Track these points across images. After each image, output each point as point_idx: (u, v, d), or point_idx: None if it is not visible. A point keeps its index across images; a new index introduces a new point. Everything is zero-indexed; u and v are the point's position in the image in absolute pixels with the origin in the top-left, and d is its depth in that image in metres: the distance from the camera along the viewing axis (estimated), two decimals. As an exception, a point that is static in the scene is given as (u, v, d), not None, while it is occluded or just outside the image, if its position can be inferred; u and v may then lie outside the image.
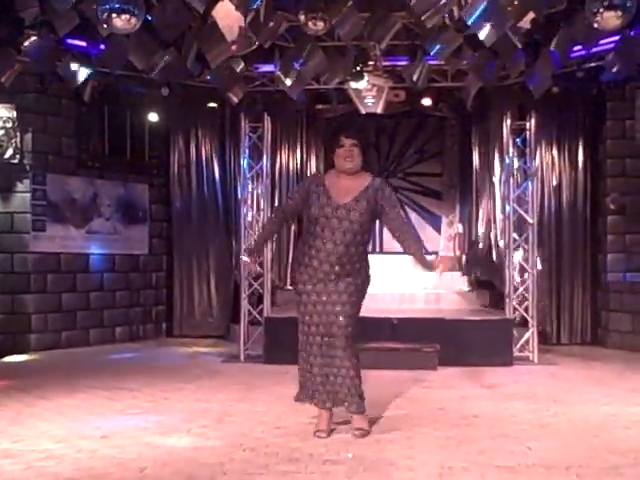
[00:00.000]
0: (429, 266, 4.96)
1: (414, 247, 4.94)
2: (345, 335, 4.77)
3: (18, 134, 8.91)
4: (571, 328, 9.81)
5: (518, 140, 8.65)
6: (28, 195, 9.07)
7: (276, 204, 9.50)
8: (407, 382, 6.56)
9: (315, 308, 4.80)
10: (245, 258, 4.89)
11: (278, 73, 7.70)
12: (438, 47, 6.82)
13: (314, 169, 11.09)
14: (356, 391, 4.84)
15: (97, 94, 8.78)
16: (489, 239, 9.99)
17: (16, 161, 8.96)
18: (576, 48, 7.28)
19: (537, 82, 7.61)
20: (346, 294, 4.77)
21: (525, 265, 8.59)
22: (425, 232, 10.73)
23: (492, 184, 9.89)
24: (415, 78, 7.67)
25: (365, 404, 4.90)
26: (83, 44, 7.85)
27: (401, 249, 4.99)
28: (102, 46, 7.68)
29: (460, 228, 10.87)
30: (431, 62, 7.82)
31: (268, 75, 8.51)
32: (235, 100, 8.12)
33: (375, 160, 10.57)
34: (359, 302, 4.89)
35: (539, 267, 8.93)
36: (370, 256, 4.99)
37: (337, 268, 4.73)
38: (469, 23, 6.03)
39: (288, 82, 7.53)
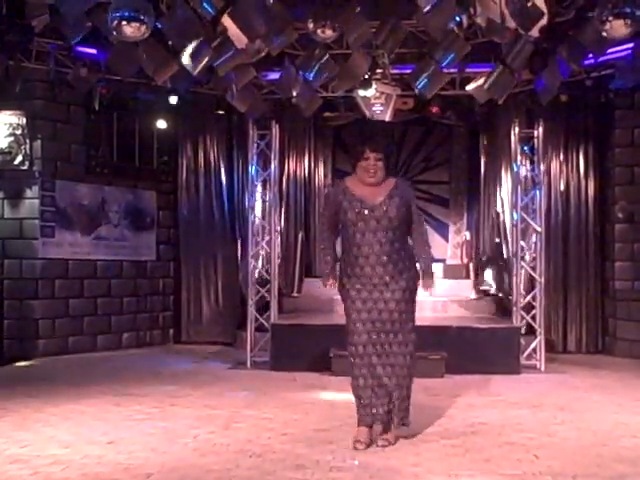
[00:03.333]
0: (424, 285, 4.93)
1: (421, 262, 4.91)
2: (410, 341, 4.75)
3: (27, 141, 8.96)
4: (580, 336, 9.78)
5: (526, 148, 8.64)
6: (37, 201, 9.10)
7: (285, 217, 9.47)
8: (414, 390, 6.49)
9: (361, 316, 4.70)
10: (328, 284, 4.88)
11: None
12: (448, 56, 6.83)
13: (322, 176, 11.14)
14: (408, 405, 4.83)
15: (106, 101, 8.84)
16: (496, 247, 9.99)
17: (25, 167, 9.01)
18: (584, 56, 7.29)
19: (545, 89, 7.62)
20: (402, 299, 4.71)
21: (533, 273, 8.57)
22: (433, 240, 10.58)
23: (500, 192, 9.89)
24: (421, 85, 7.70)
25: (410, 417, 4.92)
26: (93, 51, 7.91)
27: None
28: (109, 53, 7.76)
29: (468, 236, 10.86)
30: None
31: (276, 82, 8.51)
32: (243, 109, 8.11)
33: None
34: (411, 309, 4.83)
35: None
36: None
37: (390, 268, 4.68)
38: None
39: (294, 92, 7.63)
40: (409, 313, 4.79)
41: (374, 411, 4.76)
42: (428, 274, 4.93)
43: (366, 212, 4.66)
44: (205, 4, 5.73)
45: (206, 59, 6.35)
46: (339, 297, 4.97)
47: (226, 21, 5.93)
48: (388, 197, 4.70)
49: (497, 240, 10.00)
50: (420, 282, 4.89)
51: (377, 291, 4.69)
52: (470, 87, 7.72)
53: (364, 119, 9.32)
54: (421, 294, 5.00)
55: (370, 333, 4.70)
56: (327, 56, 7.35)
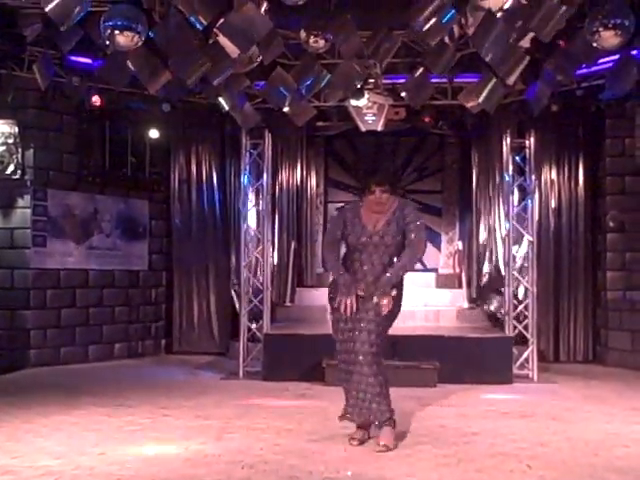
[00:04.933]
0: (379, 295, 4.99)
1: (395, 267, 5.05)
2: (370, 352, 4.95)
3: (19, 150, 8.93)
4: (572, 346, 9.80)
5: (518, 158, 8.66)
6: (29, 211, 9.08)
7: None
8: (406, 399, 6.54)
9: (347, 325, 5.06)
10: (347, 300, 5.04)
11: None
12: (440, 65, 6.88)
13: (314, 186, 11.17)
14: (383, 407, 5.00)
15: (98, 110, 8.83)
16: (487, 256, 10.03)
17: (17, 177, 8.98)
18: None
19: (536, 99, 7.65)
20: (373, 312, 4.98)
21: (524, 283, 8.59)
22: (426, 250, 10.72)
23: (492, 202, 9.93)
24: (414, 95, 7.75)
25: (393, 420, 5.06)
26: (87, 60, 7.93)
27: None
28: (102, 62, 7.78)
29: (460, 245, 10.88)
30: (432, 80, 7.89)
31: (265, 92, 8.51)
32: (226, 108, 8.08)
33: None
34: (389, 320, 5.09)
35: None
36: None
37: (372, 288, 4.99)
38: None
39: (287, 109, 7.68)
40: (378, 325, 5.00)
41: (349, 409, 5.17)
42: (384, 288, 4.98)
43: (364, 239, 5.06)
44: (193, 19, 5.75)
45: (201, 70, 6.36)
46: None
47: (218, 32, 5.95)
48: (386, 224, 5.06)
49: (487, 250, 10.04)
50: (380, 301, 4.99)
51: (366, 302, 5.00)
52: (462, 97, 7.76)
53: (358, 133, 9.42)
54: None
55: (348, 342, 5.06)
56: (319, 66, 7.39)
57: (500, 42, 5.92)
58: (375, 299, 4.91)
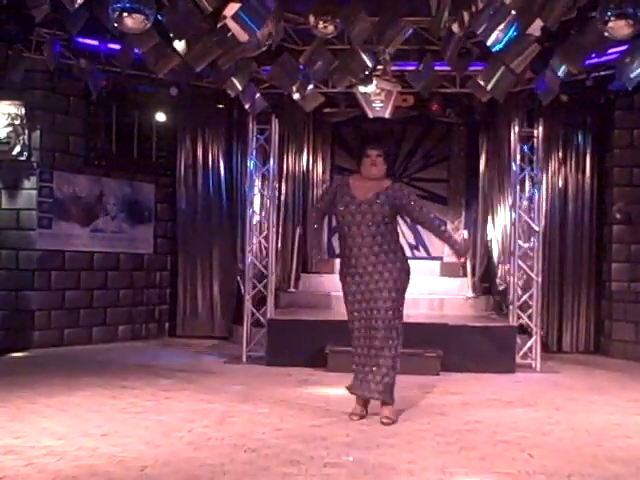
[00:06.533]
0: (459, 252, 5.59)
1: (444, 234, 5.56)
2: (385, 327, 5.17)
3: (26, 131, 8.93)
4: (575, 336, 9.80)
5: (526, 147, 8.63)
6: (34, 192, 9.09)
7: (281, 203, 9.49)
8: (409, 387, 6.54)
9: (357, 299, 5.27)
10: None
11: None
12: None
13: (320, 172, 11.16)
14: (389, 381, 5.26)
15: (105, 93, 8.81)
16: (492, 246, 10.03)
17: (24, 158, 8.98)
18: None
19: (545, 89, 7.60)
20: (385, 285, 5.19)
21: (530, 272, 8.57)
22: (430, 237, 10.66)
23: (498, 191, 9.90)
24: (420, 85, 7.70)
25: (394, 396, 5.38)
26: (95, 43, 7.90)
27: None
28: (111, 45, 7.76)
29: (466, 234, 10.86)
30: (439, 68, 7.84)
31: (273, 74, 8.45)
32: (232, 94, 8.01)
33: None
34: (400, 294, 5.29)
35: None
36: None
37: (372, 258, 5.18)
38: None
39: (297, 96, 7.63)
40: (394, 303, 5.23)
41: (358, 383, 5.40)
42: (457, 244, 5.65)
43: (353, 207, 5.19)
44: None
45: (209, 54, 6.33)
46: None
47: (228, 14, 5.91)
48: (375, 195, 5.20)
49: (493, 239, 10.04)
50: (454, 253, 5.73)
51: (363, 282, 5.23)
52: (470, 85, 7.71)
53: (365, 119, 9.37)
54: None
55: (360, 320, 5.29)
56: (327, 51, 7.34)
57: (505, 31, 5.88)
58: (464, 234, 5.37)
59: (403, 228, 9.48)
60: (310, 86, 7.90)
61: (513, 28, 5.88)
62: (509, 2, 5.61)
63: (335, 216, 5.42)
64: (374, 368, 5.25)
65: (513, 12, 5.69)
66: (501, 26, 5.80)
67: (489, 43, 5.95)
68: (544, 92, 7.62)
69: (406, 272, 5.34)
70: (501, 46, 6.01)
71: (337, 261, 5.78)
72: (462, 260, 5.76)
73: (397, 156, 11.15)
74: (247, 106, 8.15)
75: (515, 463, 4.39)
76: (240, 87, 7.54)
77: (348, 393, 5.53)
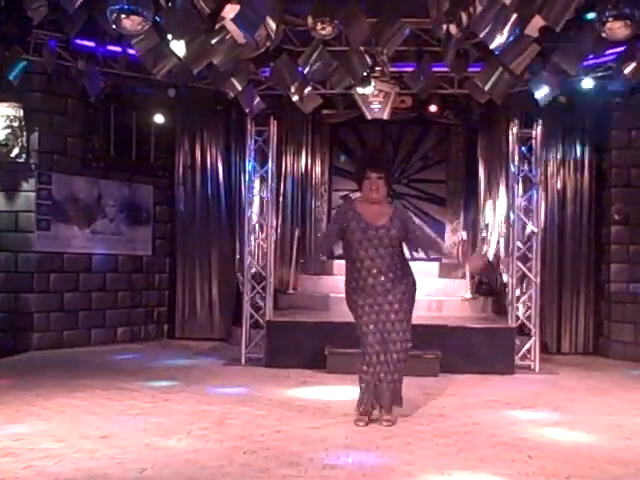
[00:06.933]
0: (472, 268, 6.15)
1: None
2: (402, 349, 5.33)
3: (24, 133, 8.93)
4: (574, 338, 9.80)
5: (524, 148, 8.63)
6: (33, 194, 9.08)
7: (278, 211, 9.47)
8: (408, 388, 6.51)
9: (371, 318, 5.33)
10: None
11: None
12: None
13: (319, 173, 11.16)
14: (400, 387, 5.48)
15: (103, 95, 8.81)
16: (490, 247, 10.03)
17: (22, 160, 8.98)
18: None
19: (543, 91, 7.59)
20: (400, 307, 5.35)
21: (529, 273, 8.56)
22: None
23: (496, 192, 9.90)
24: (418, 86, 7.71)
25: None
26: (92, 44, 7.90)
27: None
28: (109, 47, 7.75)
29: (464, 235, 10.86)
30: (437, 69, 7.85)
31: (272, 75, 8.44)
32: (231, 95, 7.99)
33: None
34: (411, 307, 5.48)
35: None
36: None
37: (391, 277, 5.32)
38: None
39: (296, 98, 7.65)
40: (406, 314, 5.40)
41: (369, 406, 5.42)
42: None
43: (371, 232, 5.30)
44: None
45: (207, 55, 6.33)
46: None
47: (226, 15, 5.91)
48: (390, 220, 5.36)
49: (491, 240, 10.04)
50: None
51: (380, 297, 5.31)
52: (468, 86, 7.72)
53: (364, 121, 9.42)
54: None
55: (376, 334, 5.33)
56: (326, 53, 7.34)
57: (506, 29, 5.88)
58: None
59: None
60: (308, 88, 7.90)
61: (516, 30, 5.89)
62: (509, 2, 5.61)
63: (347, 241, 5.40)
64: (392, 384, 5.38)
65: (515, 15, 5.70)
66: (505, 29, 5.80)
67: (492, 46, 5.95)
68: (542, 95, 7.62)
69: (414, 285, 5.53)
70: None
71: (335, 262, 5.78)
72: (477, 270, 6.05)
73: (396, 157, 11.17)
74: (245, 108, 8.16)
75: (514, 464, 4.39)
76: (239, 88, 7.55)
77: (355, 419, 5.41)
